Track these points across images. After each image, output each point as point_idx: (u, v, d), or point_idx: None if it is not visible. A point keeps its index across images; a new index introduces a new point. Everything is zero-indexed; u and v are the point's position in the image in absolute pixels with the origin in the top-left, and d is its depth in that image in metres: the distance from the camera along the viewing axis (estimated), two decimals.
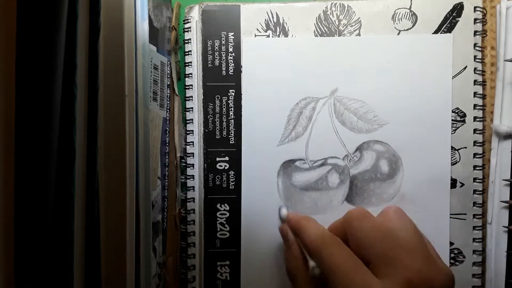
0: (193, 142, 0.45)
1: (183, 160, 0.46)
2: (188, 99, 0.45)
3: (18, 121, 0.23)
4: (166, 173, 0.44)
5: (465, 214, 0.43)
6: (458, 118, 0.43)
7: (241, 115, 0.44)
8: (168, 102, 0.44)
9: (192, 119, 0.45)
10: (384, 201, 0.44)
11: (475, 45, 0.43)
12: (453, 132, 0.43)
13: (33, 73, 0.23)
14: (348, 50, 0.44)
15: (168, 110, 0.44)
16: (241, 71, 0.44)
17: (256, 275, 0.44)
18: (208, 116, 0.45)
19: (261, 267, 0.44)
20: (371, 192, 0.44)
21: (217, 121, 0.45)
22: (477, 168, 0.43)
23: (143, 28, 0.33)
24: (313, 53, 0.44)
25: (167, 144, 0.44)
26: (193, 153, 0.45)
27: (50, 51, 0.23)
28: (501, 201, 0.42)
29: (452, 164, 0.43)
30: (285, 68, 0.44)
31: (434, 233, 0.43)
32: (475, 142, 0.43)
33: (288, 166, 0.44)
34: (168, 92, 0.44)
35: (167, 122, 0.44)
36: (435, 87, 0.43)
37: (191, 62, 0.45)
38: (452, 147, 0.43)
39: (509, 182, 0.42)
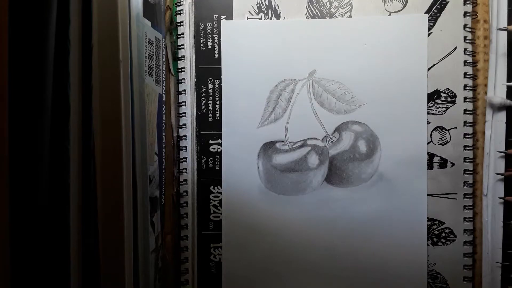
0: (185, 124, 0.45)
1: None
2: (180, 81, 0.45)
3: (11, 80, 0.23)
4: (164, 150, 0.43)
5: (456, 193, 0.44)
6: (449, 99, 0.44)
7: None
8: (164, 79, 0.44)
9: (184, 102, 0.45)
10: (363, 181, 0.44)
11: (465, 26, 0.43)
12: (443, 112, 0.44)
13: (26, 29, 0.23)
14: (324, 33, 0.44)
15: (164, 87, 0.44)
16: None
17: (239, 256, 0.44)
18: (201, 99, 0.45)
19: (243, 247, 0.44)
20: (349, 172, 0.44)
21: (210, 103, 0.45)
22: (467, 148, 0.44)
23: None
24: (291, 36, 0.44)
25: (164, 121, 0.44)
26: (185, 135, 0.45)
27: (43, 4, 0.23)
28: (496, 173, 0.42)
29: (443, 144, 0.44)
30: (264, 51, 0.44)
31: (411, 210, 0.43)
32: (465, 123, 0.44)
33: (268, 148, 0.44)
34: (164, 69, 0.44)
35: (163, 99, 0.43)
36: (412, 68, 0.43)
37: (183, 45, 0.45)
38: (442, 127, 0.44)
39: (503, 154, 0.42)
